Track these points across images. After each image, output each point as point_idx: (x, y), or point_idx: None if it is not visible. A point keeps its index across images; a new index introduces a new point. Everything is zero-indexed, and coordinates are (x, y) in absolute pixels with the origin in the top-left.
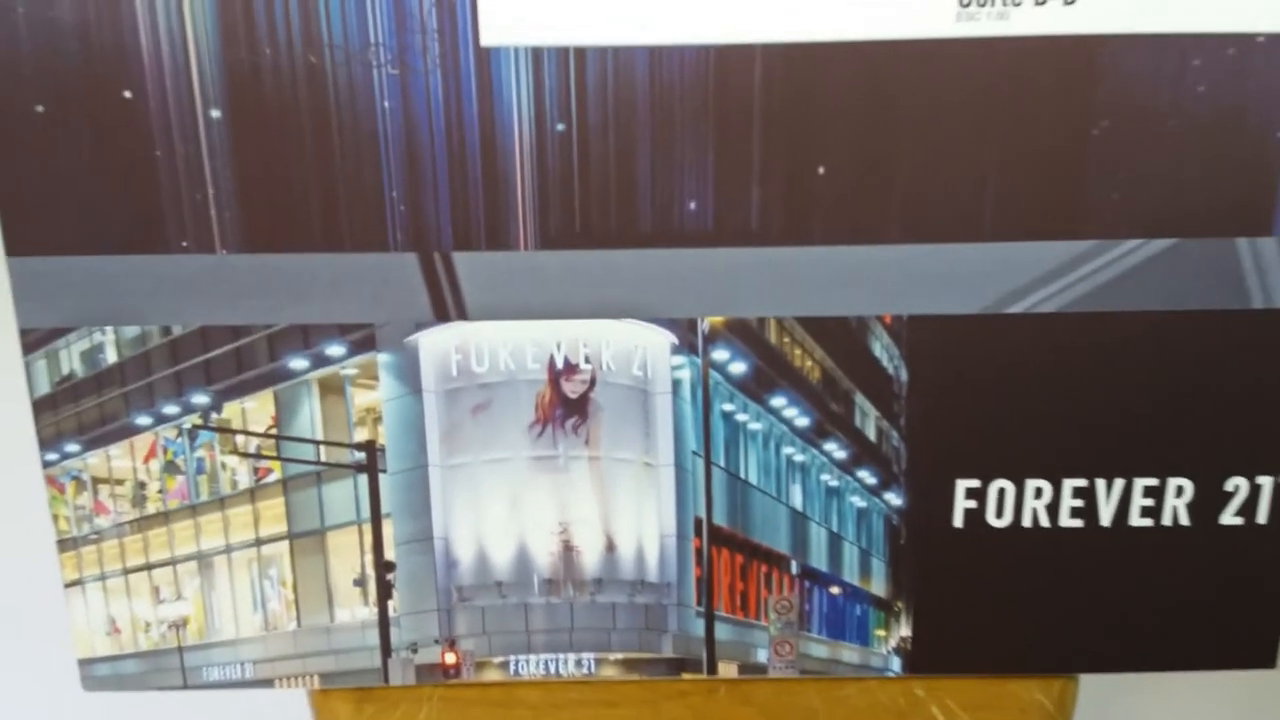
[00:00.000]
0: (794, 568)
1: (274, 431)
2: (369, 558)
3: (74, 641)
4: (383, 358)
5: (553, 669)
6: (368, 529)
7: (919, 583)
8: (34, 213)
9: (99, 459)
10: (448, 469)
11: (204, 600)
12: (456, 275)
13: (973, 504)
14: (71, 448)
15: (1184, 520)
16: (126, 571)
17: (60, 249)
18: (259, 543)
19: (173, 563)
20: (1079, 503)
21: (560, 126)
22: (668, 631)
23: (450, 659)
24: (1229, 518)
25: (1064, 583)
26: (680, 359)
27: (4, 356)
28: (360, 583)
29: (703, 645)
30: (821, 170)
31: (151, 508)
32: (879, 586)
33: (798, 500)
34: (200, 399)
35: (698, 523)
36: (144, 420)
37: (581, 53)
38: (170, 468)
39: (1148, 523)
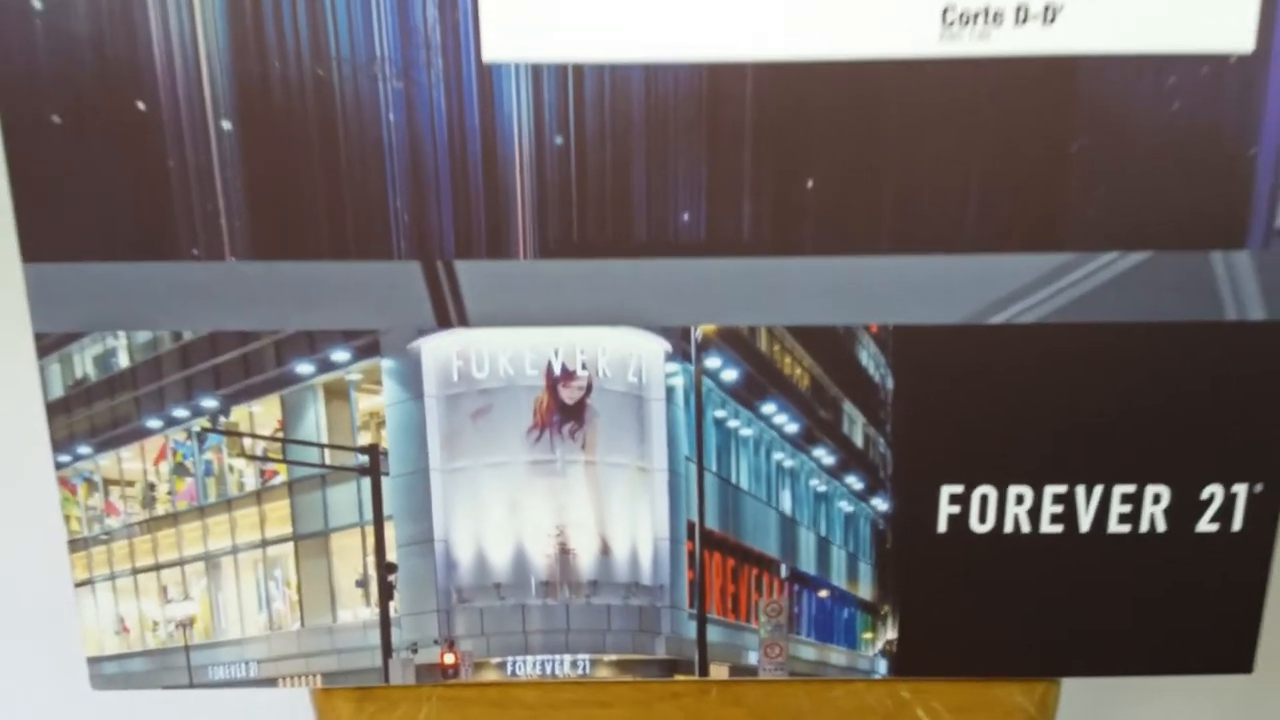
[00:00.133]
0: (783, 571)
1: (280, 435)
2: (371, 559)
3: (83, 640)
4: (386, 363)
5: (549, 670)
6: (370, 531)
7: (905, 587)
8: (49, 220)
9: (110, 461)
10: (448, 473)
11: (211, 600)
12: (458, 283)
13: (956, 509)
14: (83, 450)
15: (1161, 527)
16: (135, 571)
17: (74, 255)
18: (265, 544)
19: (181, 563)
20: (1059, 509)
21: (559, 140)
22: (661, 633)
23: (449, 659)
24: (1205, 524)
25: (1045, 587)
26: (674, 366)
27: (19, 360)
28: (362, 584)
29: (695, 647)
30: (810, 184)
31: (160, 509)
32: (866, 590)
33: (787, 505)
34: (209, 403)
35: (690, 526)
36: (154, 423)
37: (580, 69)
38: (179, 470)
39: (1126, 529)
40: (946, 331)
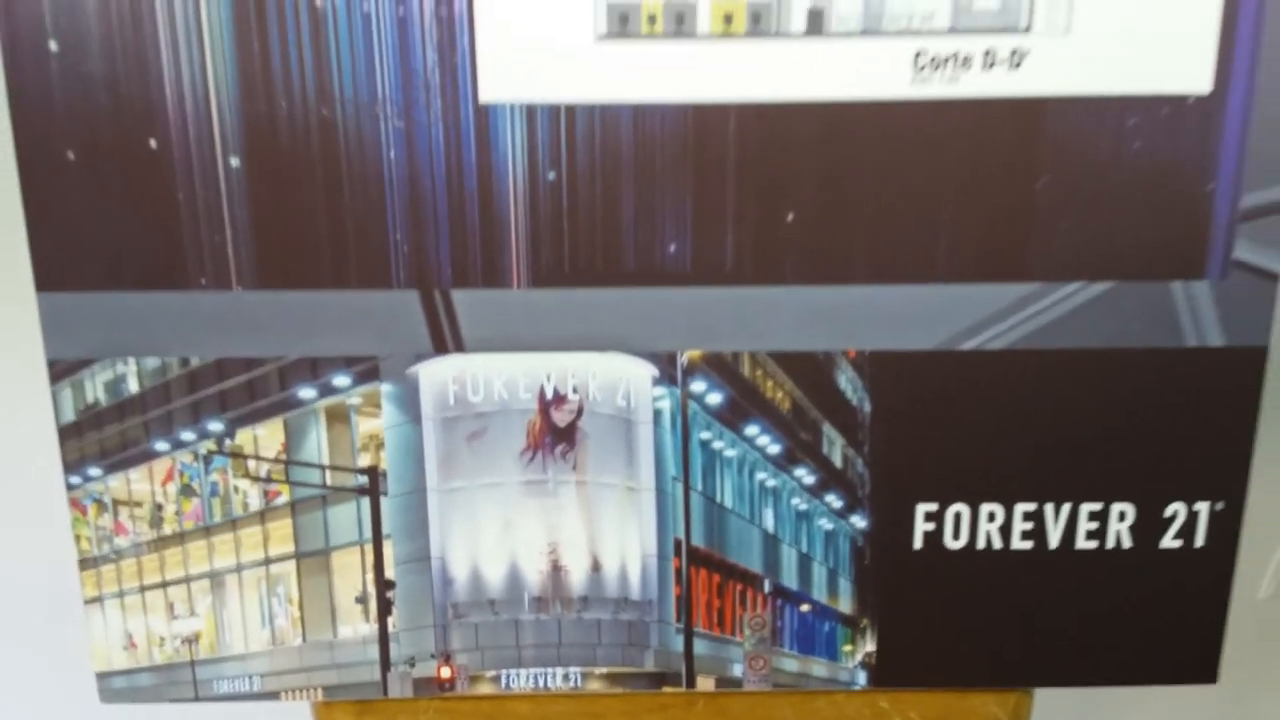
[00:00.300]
0: (767, 586)
1: (283, 457)
2: (370, 576)
3: (92, 655)
4: (385, 388)
5: (542, 682)
6: (369, 549)
7: (883, 601)
8: (63, 251)
9: (119, 482)
10: (445, 493)
11: (215, 616)
12: (455, 311)
13: (931, 526)
14: (94, 472)
15: (1127, 543)
16: (143, 589)
17: (87, 285)
18: (268, 562)
19: (187, 581)
20: (1029, 526)
21: (551, 175)
22: (649, 647)
23: (446, 673)
24: (1169, 541)
25: (1017, 601)
26: (661, 390)
27: (32, 385)
28: (362, 600)
29: (682, 660)
30: (790, 217)
31: (168, 529)
32: (846, 604)
33: (770, 523)
34: (215, 426)
35: (677, 544)
36: (162, 446)
37: (571, 110)
38: (186, 491)
39: (1093, 545)
40: (920, 357)
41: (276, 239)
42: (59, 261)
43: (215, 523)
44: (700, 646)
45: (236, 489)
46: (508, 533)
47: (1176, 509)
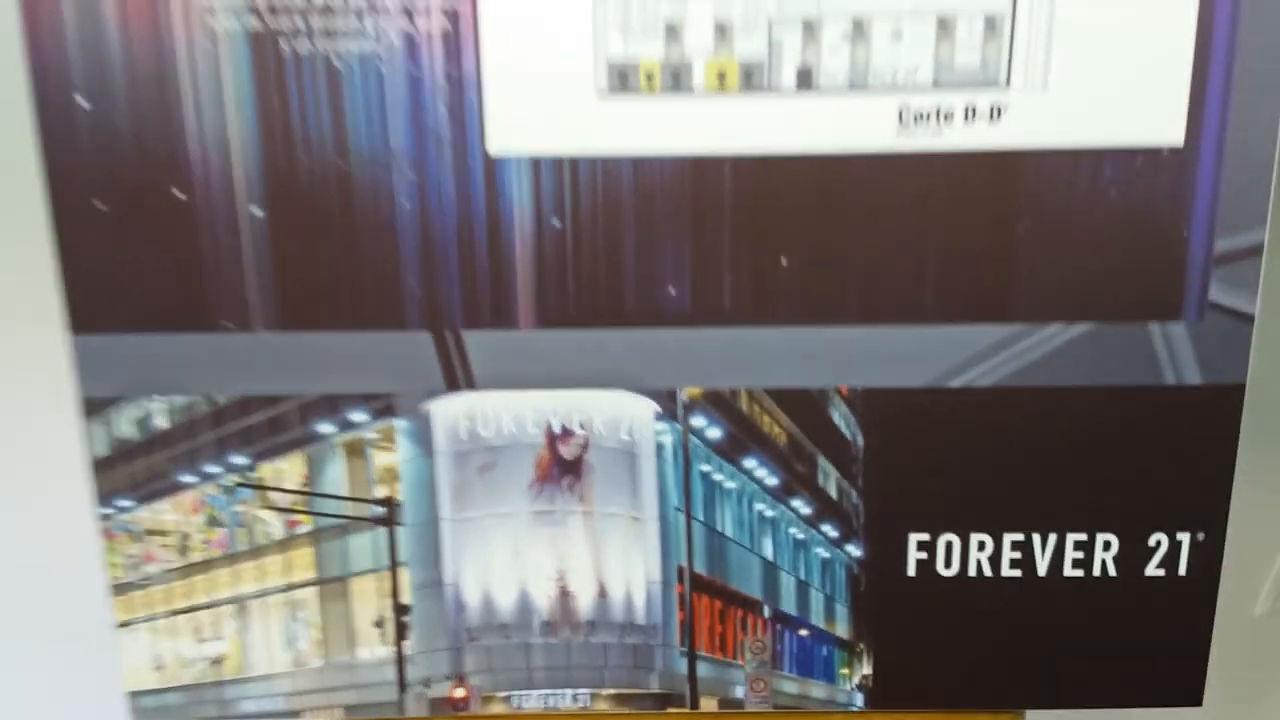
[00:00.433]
0: (766, 612)
1: (304, 489)
2: (388, 602)
3: (124, 676)
4: (400, 424)
5: (551, 703)
6: (386, 576)
7: (878, 626)
8: (95, 296)
9: (149, 513)
10: (457, 522)
11: (240, 640)
12: (466, 350)
13: (924, 555)
14: (125, 503)
15: (1112, 571)
16: (172, 613)
17: (118, 328)
18: (290, 588)
19: (213, 606)
20: (1018, 554)
21: (556, 223)
22: (654, 669)
23: (459, 693)
24: (1153, 569)
25: (1007, 627)
26: (663, 425)
27: (66, 421)
28: (380, 624)
29: (686, 682)
30: (784, 261)
31: (195, 556)
32: (842, 629)
33: (769, 551)
34: (240, 460)
35: (680, 571)
36: (190, 478)
37: (575, 162)
38: (212, 521)
39: (1080, 573)
40: (911, 393)
41: (296, 283)
42: (90, 305)
43: (240, 551)
44: (703, 669)
45: (260, 519)
46: (518, 560)
47: (1159, 539)
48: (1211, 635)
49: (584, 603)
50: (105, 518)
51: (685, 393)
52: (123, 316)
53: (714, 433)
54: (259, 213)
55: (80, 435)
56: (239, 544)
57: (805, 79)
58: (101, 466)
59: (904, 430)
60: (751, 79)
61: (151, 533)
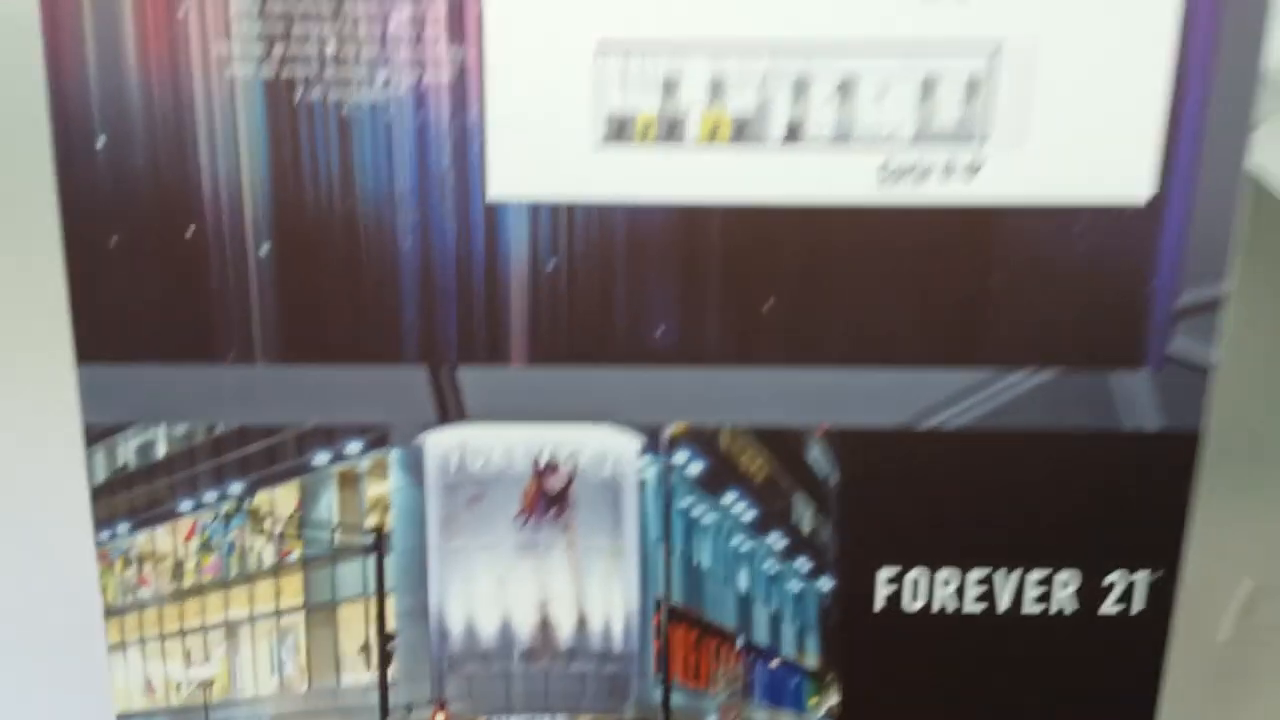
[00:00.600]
0: (740, 642)
1: (297, 517)
2: (373, 628)
3: (114, 698)
4: (393, 455)
5: None
6: (373, 603)
7: (846, 657)
8: (102, 326)
9: (145, 538)
10: (444, 552)
11: (229, 663)
12: (459, 385)
13: (892, 589)
14: (121, 528)
15: (1071, 607)
16: (163, 637)
17: (122, 358)
18: (279, 614)
19: (203, 630)
20: (981, 590)
21: (551, 265)
22: (631, 697)
23: (441, 719)
24: (1110, 606)
25: (970, 659)
26: (646, 460)
27: (68, 449)
28: (365, 649)
29: (660, 711)
30: (768, 305)
31: (187, 582)
32: (812, 660)
33: (744, 584)
34: (236, 488)
35: (658, 602)
36: (186, 506)
37: (571, 207)
38: (206, 547)
39: (1040, 609)
40: (884, 434)
41: (299, 318)
42: (98, 335)
43: (231, 577)
44: (677, 698)
45: (252, 546)
46: (502, 590)
47: (1117, 577)
48: (1164, 668)
49: (564, 632)
50: (102, 543)
51: (669, 429)
52: (129, 347)
53: (695, 468)
54: (266, 250)
55: (81, 460)
56: (231, 570)
57: (793, 133)
58: (100, 493)
59: (877, 469)
60: (742, 132)
61: (146, 558)
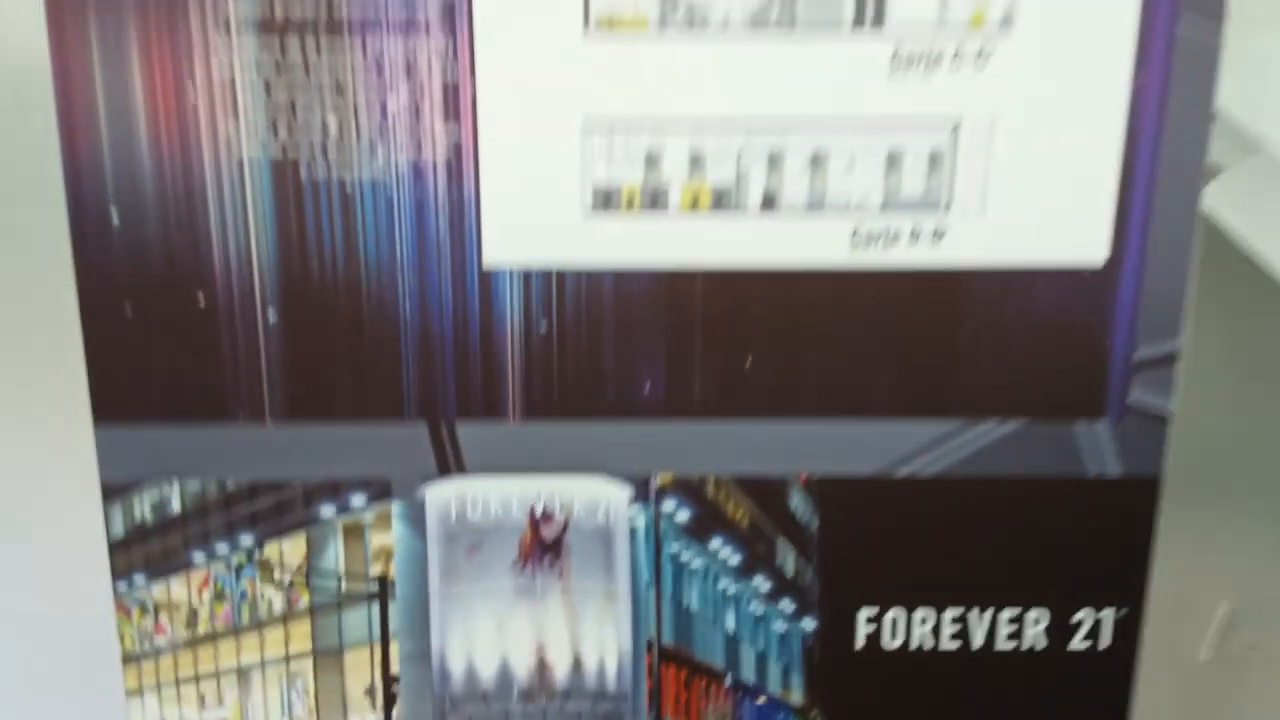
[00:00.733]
0: (728, 680)
1: (305, 567)
2: (378, 671)
3: None
4: (396, 506)
5: None
6: (378, 647)
7: (829, 694)
8: (119, 389)
9: (160, 588)
10: (445, 598)
11: (241, 707)
12: (458, 439)
13: (872, 629)
14: (139, 579)
15: (1041, 644)
16: (178, 682)
17: (138, 419)
18: (288, 659)
19: (216, 675)
20: (957, 628)
21: (543, 327)
22: None
23: None
24: (1078, 643)
25: (947, 694)
26: (637, 508)
27: (87, 505)
28: (370, 692)
29: None
30: (748, 362)
31: (201, 629)
32: (797, 697)
33: (731, 625)
34: (246, 540)
35: (649, 643)
36: (199, 558)
37: (561, 274)
38: (219, 596)
39: (1012, 645)
40: (862, 481)
41: (306, 379)
42: (115, 398)
43: (243, 624)
44: None
45: (263, 595)
46: (500, 633)
47: (1084, 615)
48: (1131, 698)
49: (560, 673)
50: (120, 594)
51: (657, 479)
52: (144, 409)
53: (683, 515)
54: (274, 317)
55: (100, 516)
56: (242, 618)
57: (769, 202)
58: (118, 547)
59: (855, 514)
60: (722, 201)
61: (162, 607)
